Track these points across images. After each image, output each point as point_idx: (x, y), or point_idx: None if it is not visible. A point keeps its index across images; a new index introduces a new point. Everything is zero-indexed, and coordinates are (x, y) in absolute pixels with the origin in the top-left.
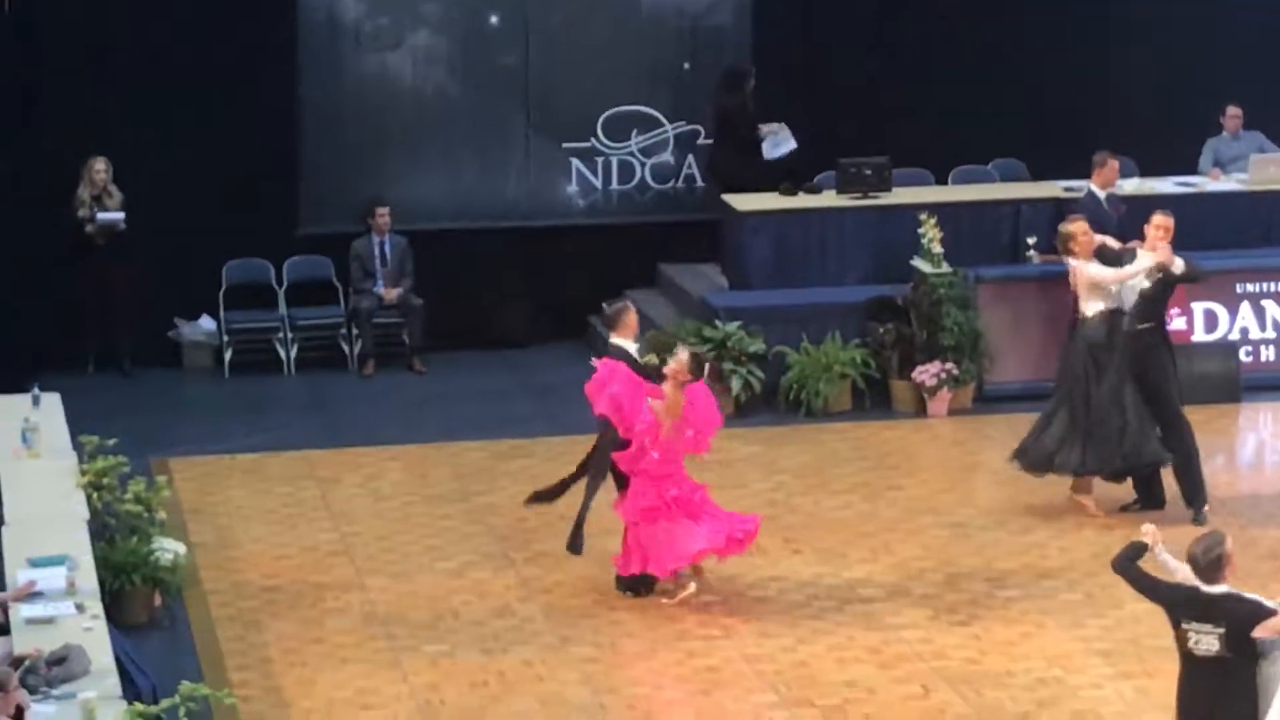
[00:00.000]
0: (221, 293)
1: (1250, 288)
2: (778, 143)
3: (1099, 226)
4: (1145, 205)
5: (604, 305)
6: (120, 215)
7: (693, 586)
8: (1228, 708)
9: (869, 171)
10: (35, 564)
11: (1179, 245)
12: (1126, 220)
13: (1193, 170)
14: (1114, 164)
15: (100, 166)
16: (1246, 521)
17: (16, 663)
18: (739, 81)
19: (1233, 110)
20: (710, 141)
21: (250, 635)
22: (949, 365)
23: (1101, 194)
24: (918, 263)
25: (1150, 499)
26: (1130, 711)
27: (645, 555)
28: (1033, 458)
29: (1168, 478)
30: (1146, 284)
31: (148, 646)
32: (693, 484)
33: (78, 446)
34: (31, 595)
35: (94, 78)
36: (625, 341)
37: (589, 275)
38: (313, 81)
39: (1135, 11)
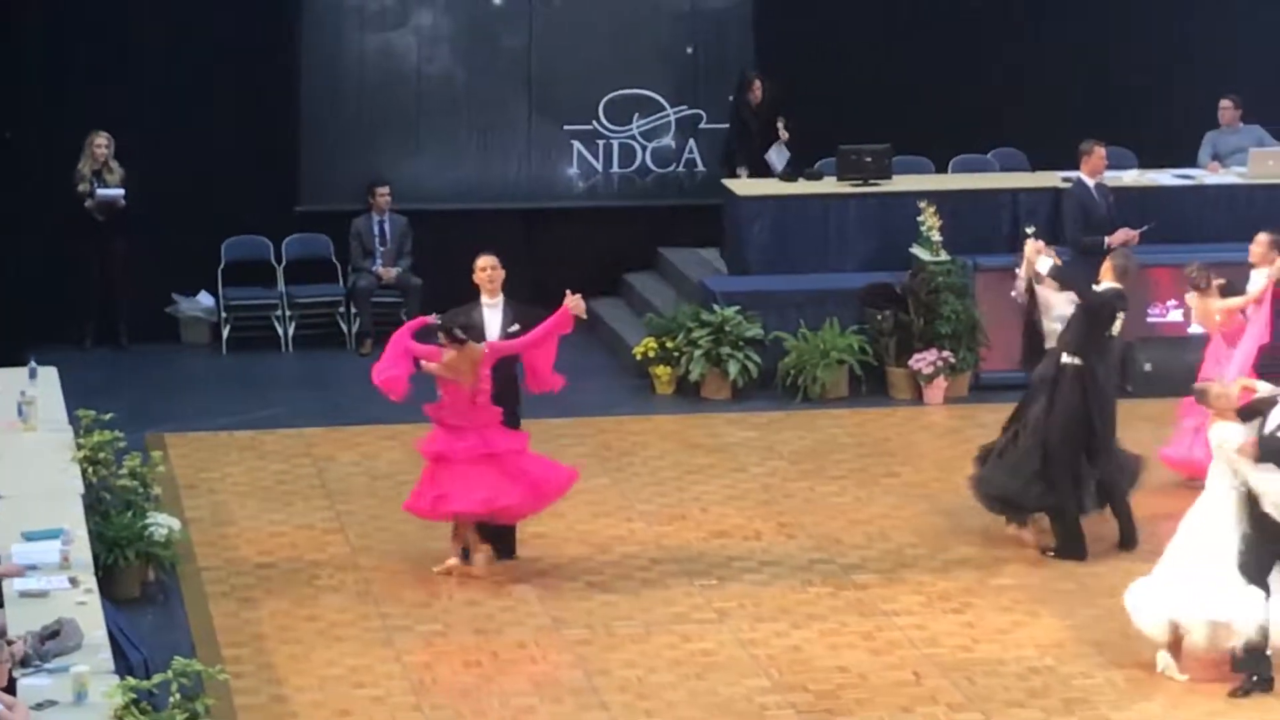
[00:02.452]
0: (220, 269)
1: None
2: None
3: (1088, 214)
4: (1143, 197)
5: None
6: (120, 192)
7: (451, 561)
8: None
9: (869, 159)
10: (30, 537)
11: (1181, 238)
12: (1115, 209)
13: (1192, 163)
14: (1101, 151)
15: (101, 141)
16: None
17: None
18: (742, 86)
19: (1224, 102)
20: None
21: (244, 612)
22: (946, 353)
23: (1090, 182)
24: (916, 250)
25: None
26: (1121, 701)
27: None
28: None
29: None
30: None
31: (140, 621)
32: (500, 445)
33: (74, 420)
34: (26, 568)
35: (98, 53)
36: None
37: (588, 258)
38: (315, 59)
39: (1137, 2)
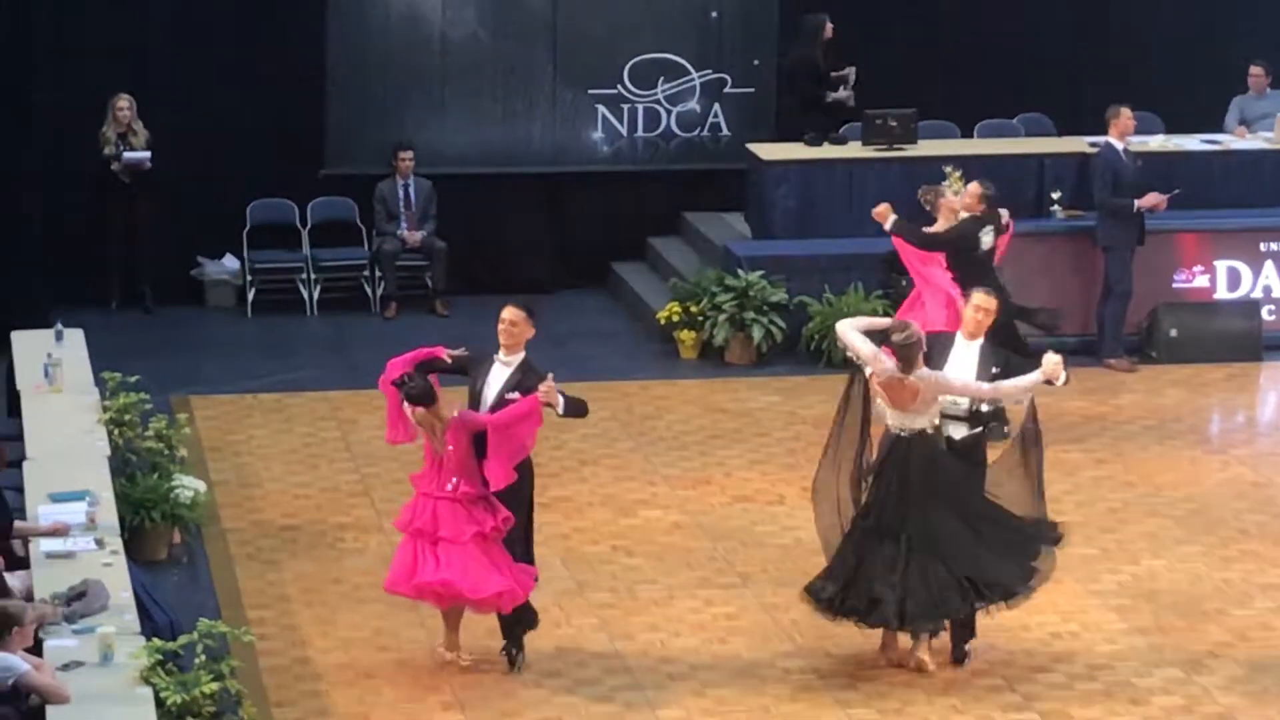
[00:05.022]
0: (245, 232)
1: (1274, 246)
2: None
3: (1117, 177)
4: (1169, 162)
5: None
6: (146, 154)
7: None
8: None
9: (894, 123)
10: (56, 499)
11: (1207, 203)
12: (1143, 173)
13: (1218, 128)
14: (1128, 113)
15: (123, 104)
16: (1264, 480)
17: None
18: (811, 32)
19: (1255, 69)
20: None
21: (268, 574)
22: None
23: (1119, 145)
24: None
25: None
26: (1144, 667)
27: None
28: None
29: None
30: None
31: (166, 583)
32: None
33: (100, 383)
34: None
35: (125, 14)
36: None
37: (612, 222)
38: (341, 22)
39: None
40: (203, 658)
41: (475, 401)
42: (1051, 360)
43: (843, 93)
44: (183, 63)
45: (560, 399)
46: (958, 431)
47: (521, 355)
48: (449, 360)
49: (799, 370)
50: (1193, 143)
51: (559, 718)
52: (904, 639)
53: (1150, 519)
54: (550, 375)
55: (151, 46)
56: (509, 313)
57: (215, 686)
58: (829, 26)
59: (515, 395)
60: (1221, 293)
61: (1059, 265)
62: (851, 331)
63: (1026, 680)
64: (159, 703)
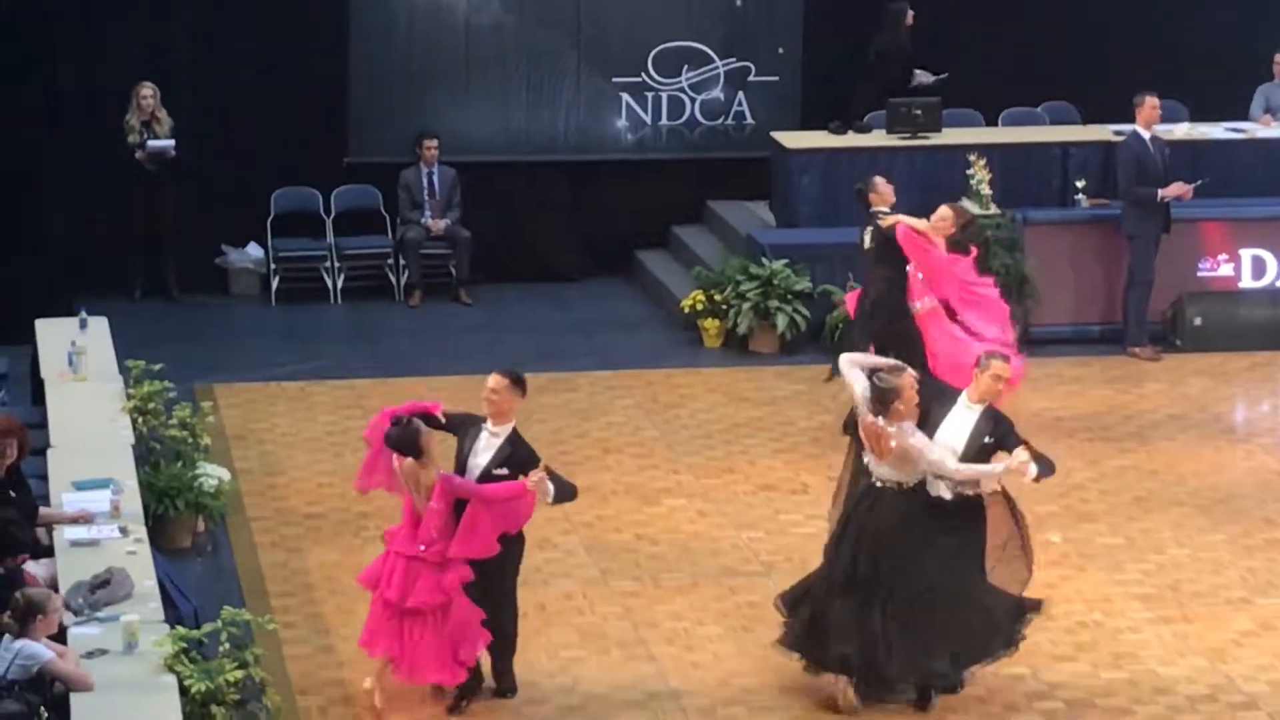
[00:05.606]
0: (269, 220)
1: None
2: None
3: (1143, 166)
4: (1194, 150)
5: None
6: (171, 143)
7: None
8: None
9: (919, 111)
10: (80, 487)
11: (1232, 191)
12: (1169, 162)
13: (1244, 116)
14: (1153, 101)
15: (147, 92)
16: None
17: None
18: (895, 20)
19: (1279, 56)
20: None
21: (292, 562)
22: None
23: (1145, 134)
24: (966, 203)
25: None
26: (1168, 655)
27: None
28: None
29: None
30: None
31: (190, 571)
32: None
33: (124, 371)
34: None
35: (148, 1)
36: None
37: (637, 210)
38: (365, 10)
39: None
40: (226, 646)
41: (461, 468)
42: (1019, 457)
43: (925, 78)
44: (206, 51)
45: (550, 489)
46: (948, 491)
47: (510, 426)
48: (443, 418)
49: (823, 359)
50: (1218, 131)
51: (582, 706)
52: None
53: (1174, 508)
54: (543, 462)
55: (175, 34)
56: (493, 380)
57: (239, 674)
58: (910, 14)
59: (504, 470)
60: (1246, 281)
61: (1083, 254)
62: (852, 369)
63: (1050, 669)
64: (183, 691)
